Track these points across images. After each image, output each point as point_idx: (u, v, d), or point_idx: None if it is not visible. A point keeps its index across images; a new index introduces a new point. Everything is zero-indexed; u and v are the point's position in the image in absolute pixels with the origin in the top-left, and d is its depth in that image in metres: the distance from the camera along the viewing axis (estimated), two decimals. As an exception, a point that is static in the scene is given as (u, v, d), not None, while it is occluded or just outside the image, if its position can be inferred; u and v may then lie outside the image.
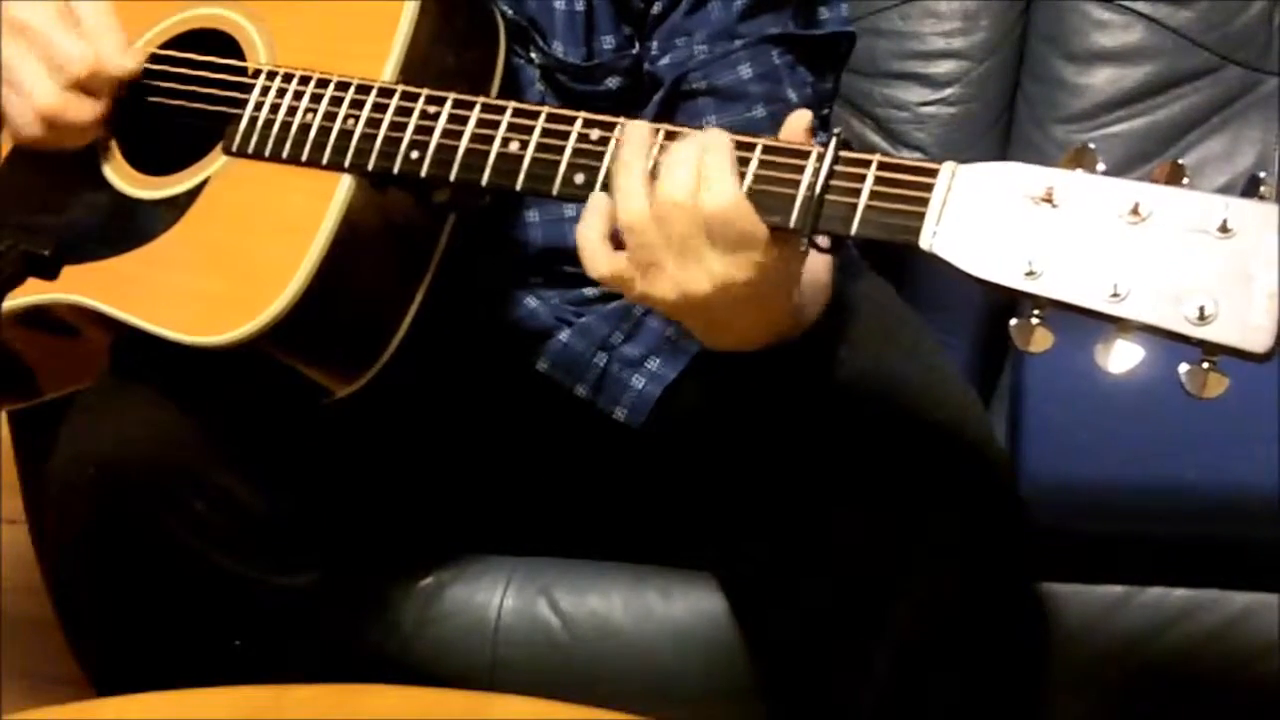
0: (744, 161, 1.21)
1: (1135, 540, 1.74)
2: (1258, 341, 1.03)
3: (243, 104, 1.43)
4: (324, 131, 1.39)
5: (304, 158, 1.40)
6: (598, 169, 1.28)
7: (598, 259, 1.26)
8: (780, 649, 1.54)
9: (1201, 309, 1.03)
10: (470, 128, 1.33)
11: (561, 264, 1.59)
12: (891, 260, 1.69)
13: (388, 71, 1.41)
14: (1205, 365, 1.05)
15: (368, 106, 1.38)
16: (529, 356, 1.61)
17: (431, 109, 1.35)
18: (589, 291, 1.60)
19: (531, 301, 1.60)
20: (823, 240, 1.20)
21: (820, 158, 1.19)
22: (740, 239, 1.21)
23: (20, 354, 1.54)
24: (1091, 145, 1.10)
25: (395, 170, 1.36)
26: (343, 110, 1.39)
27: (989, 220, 1.10)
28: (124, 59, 1.48)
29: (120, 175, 1.50)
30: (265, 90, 1.43)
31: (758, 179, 1.21)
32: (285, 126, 1.41)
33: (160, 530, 1.45)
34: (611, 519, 1.71)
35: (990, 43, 2.11)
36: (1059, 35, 2.10)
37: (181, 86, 1.50)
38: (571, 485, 1.68)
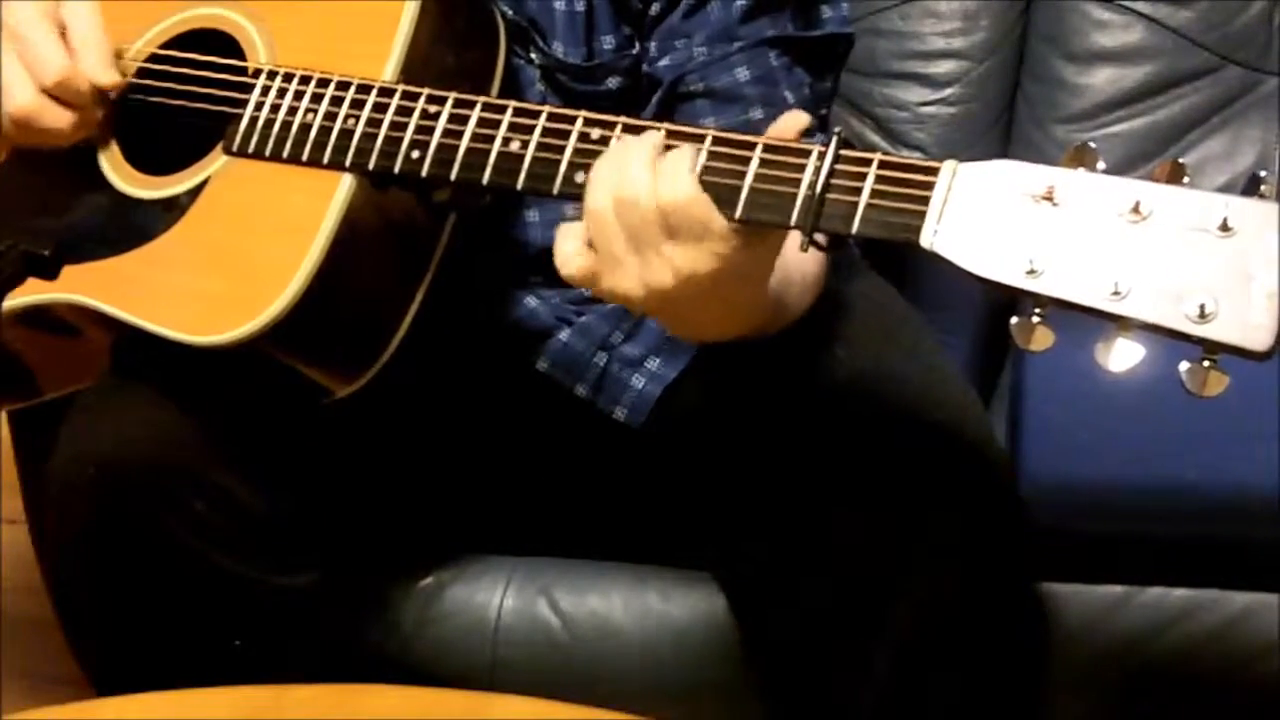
0: (744, 161, 1.21)
1: (1135, 540, 1.74)
2: (1258, 340, 1.03)
3: (243, 104, 1.43)
4: (324, 131, 1.39)
5: (304, 157, 1.40)
6: (598, 169, 1.28)
7: (567, 256, 1.26)
8: (780, 649, 1.54)
9: (1202, 307, 1.03)
10: (471, 127, 1.33)
11: (562, 263, 1.59)
12: (892, 259, 1.69)
13: (388, 71, 1.41)
14: (1205, 364, 1.05)
15: (368, 106, 1.38)
16: (529, 356, 1.61)
17: (432, 109, 1.35)
18: (589, 291, 1.60)
19: (531, 301, 1.60)
20: (823, 239, 1.20)
21: (821, 157, 1.19)
22: (698, 230, 1.21)
23: (20, 354, 1.54)
24: (1092, 145, 1.10)
25: (396, 170, 1.36)
26: (343, 110, 1.39)
27: (990, 219, 1.10)
28: (102, 71, 1.48)
29: (120, 175, 1.50)
30: (266, 90, 1.43)
31: (758, 178, 1.21)
32: (286, 126, 1.41)
33: (160, 530, 1.45)
34: (611, 519, 1.71)
35: (990, 43, 2.11)
36: (1059, 35, 2.10)
37: (182, 86, 1.50)
38: (571, 485, 1.68)
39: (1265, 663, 1.72)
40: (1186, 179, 1.07)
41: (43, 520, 1.68)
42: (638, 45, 1.54)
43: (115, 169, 1.51)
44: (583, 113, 1.29)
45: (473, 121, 1.33)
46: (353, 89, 1.39)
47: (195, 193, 1.45)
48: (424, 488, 1.66)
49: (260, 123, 1.42)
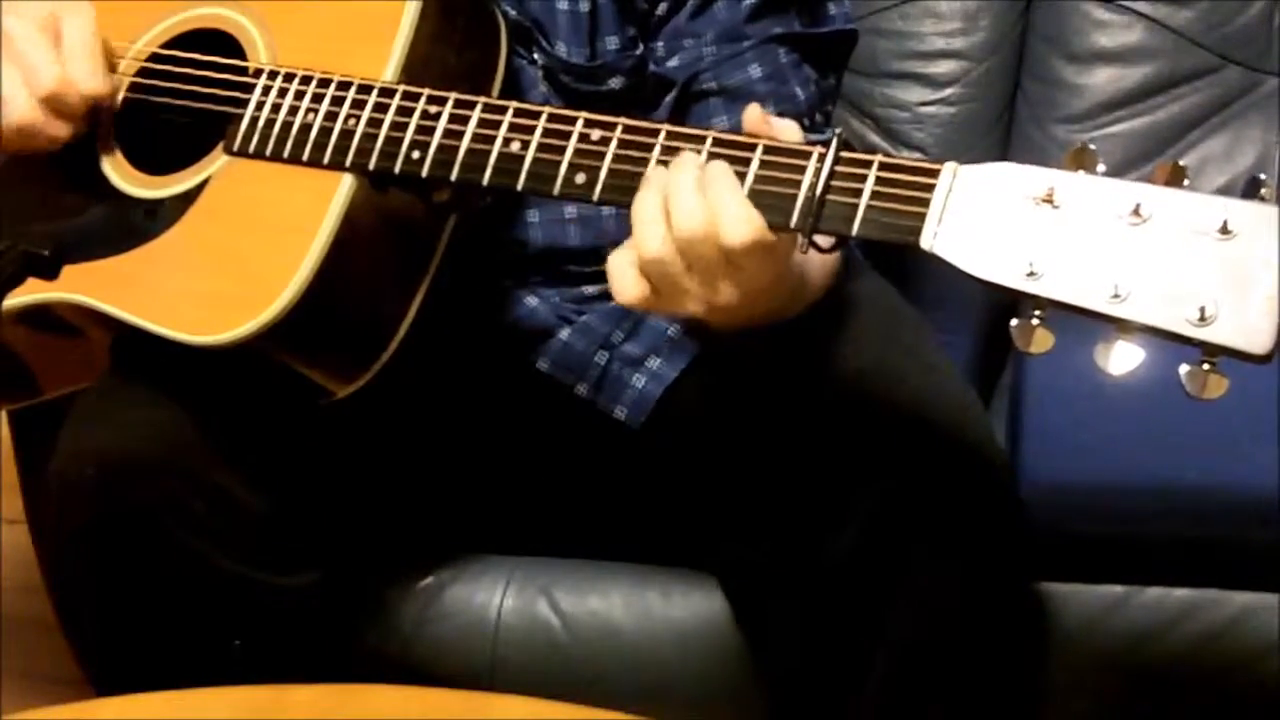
0: (745, 162, 1.22)
1: (1135, 540, 1.74)
2: (1258, 343, 1.03)
3: (244, 104, 1.43)
4: (325, 131, 1.39)
5: (305, 158, 1.40)
6: (599, 169, 1.28)
7: (625, 285, 1.26)
8: (780, 649, 1.54)
9: (1202, 310, 1.04)
10: (471, 128, 1.33)
11: (562, 263, 1.59)
12: (893, 259, 1.69)
13: (389, 72, 1.41)
14: (1205, 366, 1.05)
15: (369, 106, 1.38)
16: (529, 355, 1.61)
17: (433, 109, 1.35)
18: (589, 290, 1.60)
19: (532, 300, 1.60)
20: (823, 240, 1.20)
21: (821, 158, 1.19)
22: (762, 253, 1.22)
23: (21, 354, 1.54)
24: (1092, 146, 1.10)
25: (396, 170, 1.36)
26: (344, 110, 1.39)
27: (990, 221, 1.10)
28: (94, 81, 1.48)
29: (121, 175, 1.50)
30: (266, 90, 1.43)
31: (759, 179, 1.21)
32: (286, 126, 1.41)
33: (160, 530, 1.45)
34: (611, 519, 1.71)
35: (990, 43, 2.11)
36: (1059, 35, 2.10)
37: (183, 86, 1.50)
38: (572, 485, 1.68)
39: (1265, 663, 1.72)
40: (1187, 182, 1.07)
41: (43, 520, 1.68)
42: (641, 45, 1.54)
43: (116, 169, 1.51)
44: (583, 114, 1.29)
45: (473, 122, 1.33)
46: (353, 89, 1.39)
47: (196, 193, 1.45)
48: (424, 488, 1.66)
49: (261, 123, 1.42)
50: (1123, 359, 1.06)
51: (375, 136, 1.37)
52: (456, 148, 1.33)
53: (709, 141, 1.23)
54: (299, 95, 1.41)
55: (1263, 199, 1.05)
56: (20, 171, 1.53)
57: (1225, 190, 1.94)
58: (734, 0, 1.52)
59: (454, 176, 1.33)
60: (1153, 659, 1.74)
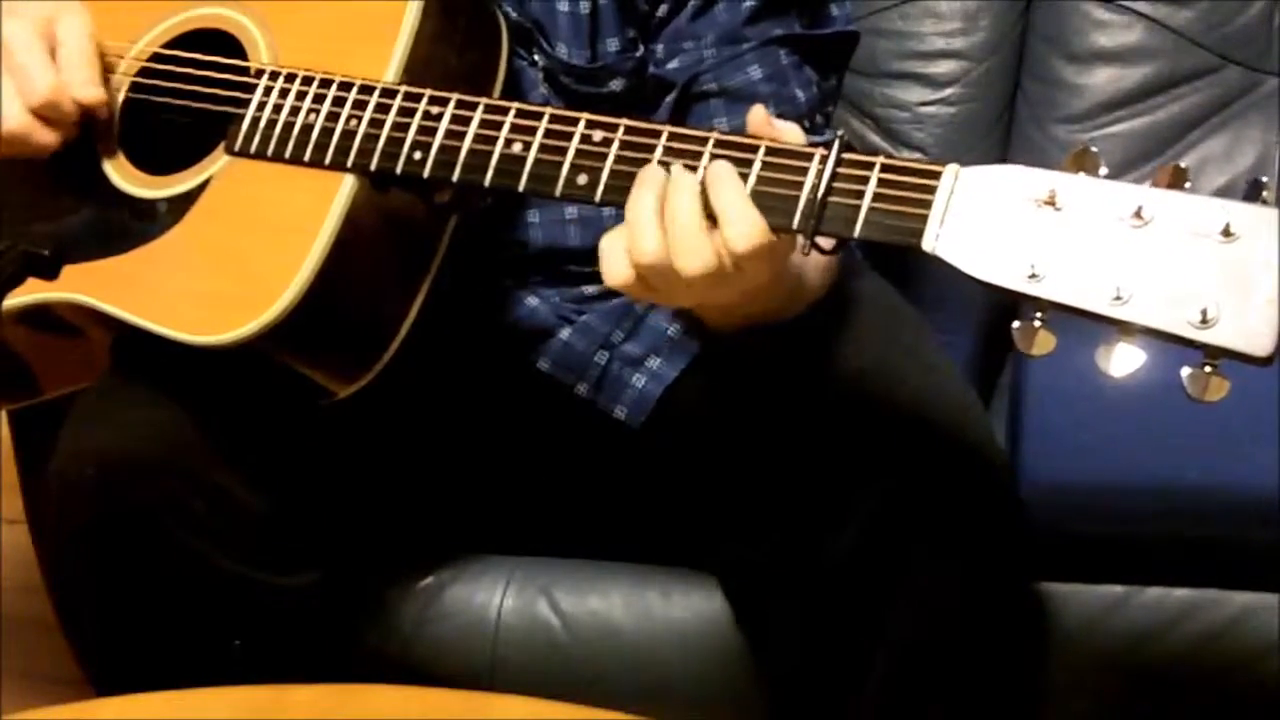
0: (747, 163, 1.21)
1: (1135, 540, 1.74)
2: (1259, 345, 1.03)
3: (245, 104, 1.43)
4: (326, 132, 1.39)
5: (306, 158, 1.40)
6: (601, 170, 1.28)
7: (616, 269, 1.26)
8: (780, 649, 1.54)
9: (1203, 313, 1.04)
10: (473, 128, 1.33)
11: (562, 263, 1.59)
12: (893, 259, 1.69)
13: (390, 72, 1.41)
14: (1207, 369, 1.05)
15: (370, 107, 1.38)
16: (529, 355, 1.61)
17: (434, 110, 1.35)
18: (590, 290, 1.60)
19: (532, 300, 1.60)
20: (825, 241, 1.20)
21: (823, 160, 1.19)
22: (764, 255, 1.22)
23: (21, 354, 1.54)
24: (1094, 148, 1.10)
25: (398, 171, 1.36)
26: (345, 111, 1.39)
27: (992, 223, 1.10)
28: (89, 91, 1.48)
29: (122, 174, 1.50)
30: (268, 90, 1.43)
31: (761, 180, 1.21)
32: (288, 127, 1.41)
33: (160, 530, 1.45)
34: (611, 519, 1.71)
35: (990, 43, 2.10)
36: (1059, 35, 2.10)
37: (184, 86, 1.50)
38: (572, 485, 1.68)
39: (1265, 663, 1.72)
40: (1188, 184, 1.07)
41: (43, 520, 1.68)
42: (642, 47, 1.54)
43: (117, 169, 1.50)
44: (585, 115, 1.29)
45: (475, 123, 1.33)
46: (355, 90, 1.39)
47: (197, 193, 1.45)
48: (424, 488, 1.66)
49: (262, 123, 1.42)
50: (1124, 361, 1.06)
51: (377, 137, 1.37)
52: (458, 148, 1.33)
53: (711, 142, 1.23)
54: (300, 96, 1.41)
55: (1264, 201, 1.05)
56: (21, 171, 1.53)
57: (1226, 191, 1.95)
58: (735, 2, 1.52)
59: (456, 177, 1.33)
60: (1153, 659, 1.74)
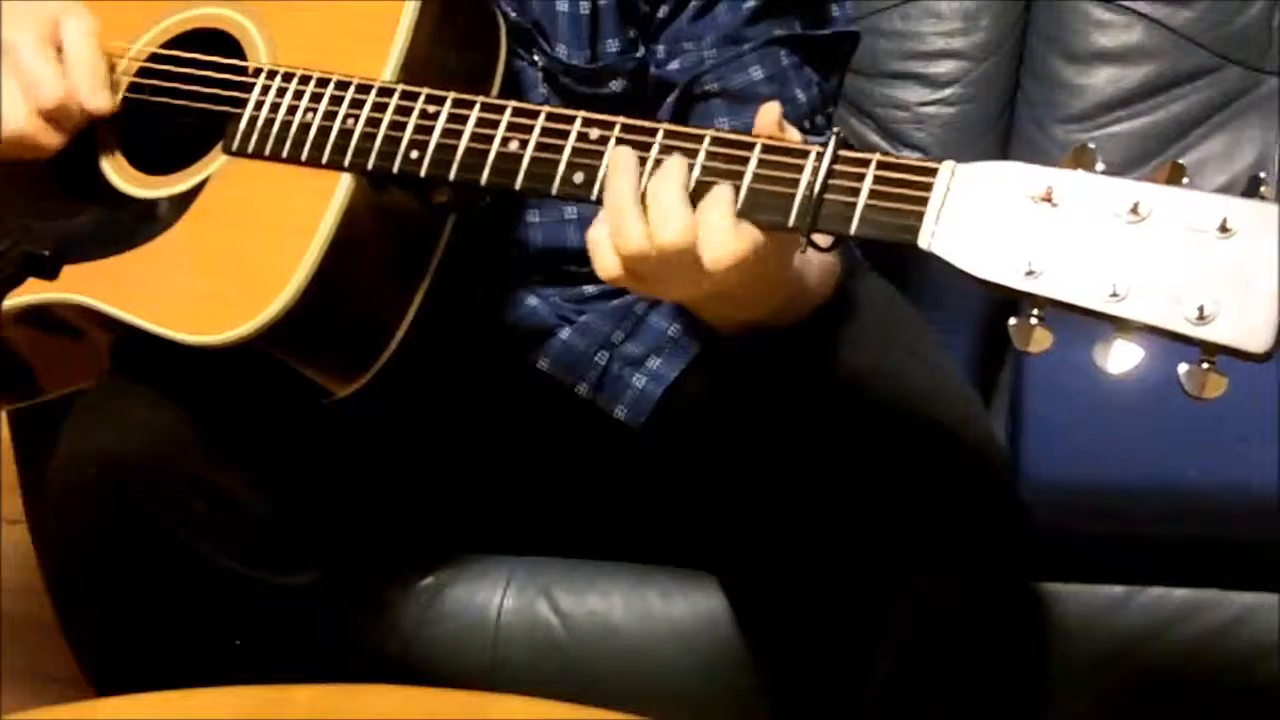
0: (743, 161, 1.21)
1: (1135, 540, 1.74)
2: (1257, 341, 1.03)
3: (243, 103, 1.43)
4: (324, 131, 1.39)
5: (304, 157, 1.40)
6: (597, 168, 1.28)
7: (606, 262, 1.26)
8: (780, 649, 1.54)
9: (1201, 309, 1.03)
10: (470, 127, 1.33)
11: (562, 263, 1.59)
12: (892, 258, 1.69)
13: (388, 71, 1.41)
14: (1205, 365, 1.05)
15: (367, 106, 1.38)
16: (529, 355, 1.61)
17: (431, 109, 1.35)
18: (590, 289, 1.60)
19: (532, 300, 1.60)
20: (822, 239, 1.20)
21: (819, 157, 1.19)
22: (746, 260, 1.22)
23: (21, 354, 1.54)
24: (1091, 145, 1.10)
25: (394, 170, 1.36)
26: (342, 110, 1.39)
27: (988, 220, 1.10)
28: (95, 96, 1.48)
29: (121, 174, 1.50)
30: (265, 90, 1.43)
31: (756, 178, 1.21)
32: (285, 126, 1.41)
33: (160, 530, 1.45)
34: (611, 519, 1.71)
35: (990, 43, 2.10)
36: (1059, 35, 2.10)
37: (182, 86, 1.50)
38: (571, 485, 1.68)
39: (1265, 663, 1.72)
40: (1186, 180, 1.07)
41: (43, 520, 1.68)
42: (642, 48, 1.54)
43: (115, 169, 1.51)
44: (581, 113, 1.29)
45: (471, 121, 1.33)
46: (352, 89, 1.39)
47: (195, 193, 1.45)
48: (424, 487, 1.66)
49: (260, 122, 1.42)
50: (1121, 358, 1.06)
51: (373, 136, 1.37)
52: (455, 147, 1.33)
53: (707, 141, 1.23)
54: (298, 95, 1.41)
55: (1263, 197, 1.04)
56: (20, 172, 1.53)
57: (1225, 190, 1.94)
58: (736, 2, 1.52)
59: (452, 176, 1.33)
60: (1153, 659, 1.74)
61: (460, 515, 1.72)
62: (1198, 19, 2.07)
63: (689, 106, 1.52)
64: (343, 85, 1.39)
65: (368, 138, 1.37)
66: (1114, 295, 1.05)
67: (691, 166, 1.23)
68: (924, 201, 1.13)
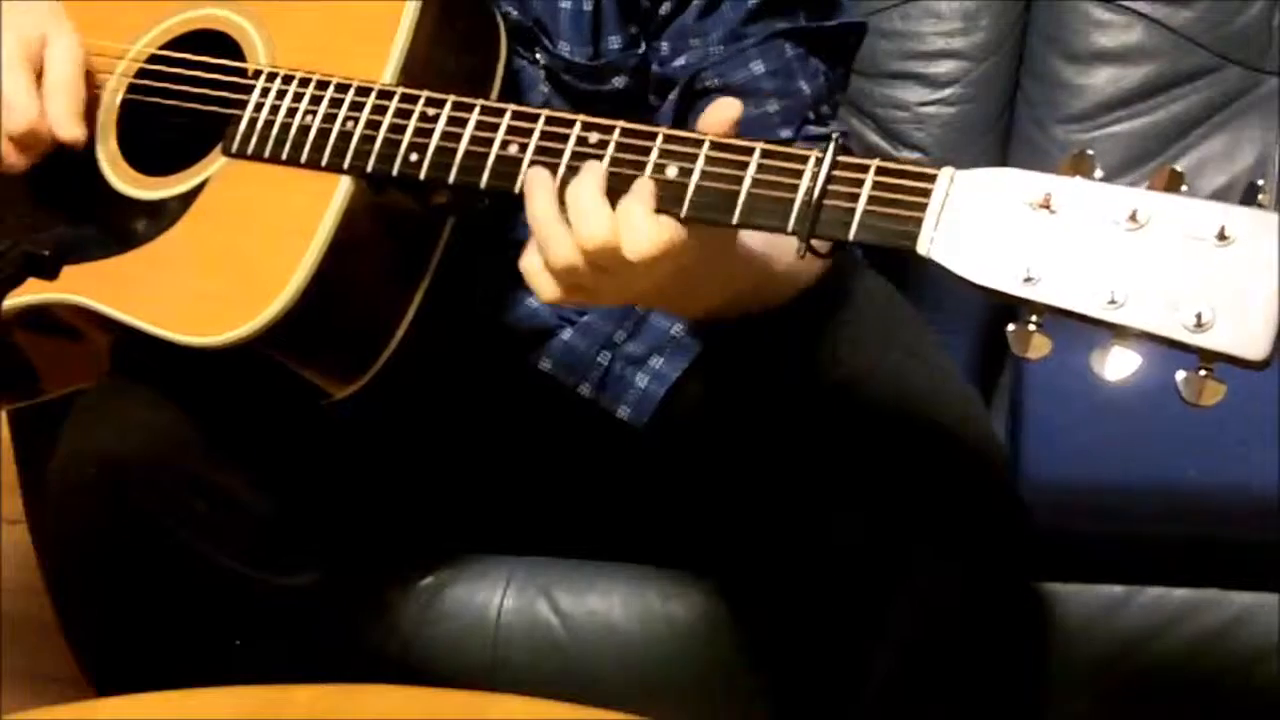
0: (742, 165, 1.21)
1: (1135, 540, 1.74)
2: (1254, 349, 1.03)
3: (242, 105, 1.43)
4: (323, 133, 1.39)
5: (303, 159, 1.40)
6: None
7: (544, 286, 1.26)
8: (780, 649, 1.54)
9: (1199, 316, 1.03)
10: (469, 130, 1.33)
11: (562, 264, 1.59)
12: (892, 259, 1.69)
13: (387, 73, 1.41)
14: (1202, 373, 1.05)
15: (367, 108, 1.38)
16: (530, 355, 1.61)
17: (431, 111, 1.35)
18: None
19: (533, 301, 1.60)
20: (820, 244, 1.20)
21: (818, 163, 1.18)
22: (671, 257, 1.22)
23: (21, 354, 1.54)
24: (1090, 151, 1.10)
25: (394, 172, 1.36)
26: (342, 112, 1.39)
27: (987, 226, 1.10)
28: (69, 127, 1.47)
29: (120, 176, 1.50)
30: (265, 91, 1.43)
31: (755, 183, 1.20)
32: (284, 128, 1.41)
33: (160, 530, 1.45)
34: (611, 519, 1.71)
35: (990, 43, 2.10)
36: (1059, 35, 2.10)
37: (181, 87, 1.50)
38: (572, 485, 1.68)
39: (1265, 664, 1.72)
40: (1184, 187, 1.07)
41: (43, 520, 1.68)
42: (644, 44, 1.54)
43: (115, 170, 1.50)
44: (581, 116, 1.29)
45: (471, 124, 1.33)
46: (352, 91, 1.39)
47: (194, 194, 1.45)
48: (424, 487, 1.66)
49: (259, 124, 1.42)
50: (1119, 365, 1.06)
51: (373, 138, 1.37)
52: (454, 150, 1.33)
53: (706, 144, 1.23)
54: (297, 97, 1.41)
55: (1261, 205, 1.04)
56: (20, 172, 1.53)
57: (1225, 191, 1.95)
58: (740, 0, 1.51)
59: (451, 179, 1.33)
60: (1153, 659, 1.74)
61: (460, 515, 1.73)
62: (1198, 19, 2.06)
63: (691, 102, 1.52)
64: (342, 87, 1.39)
65: (367, 140, 1.37)
66: (1112, 302, 1.05)
67: (604, 164, 1.24)
68: (923, 208, 1.13)
